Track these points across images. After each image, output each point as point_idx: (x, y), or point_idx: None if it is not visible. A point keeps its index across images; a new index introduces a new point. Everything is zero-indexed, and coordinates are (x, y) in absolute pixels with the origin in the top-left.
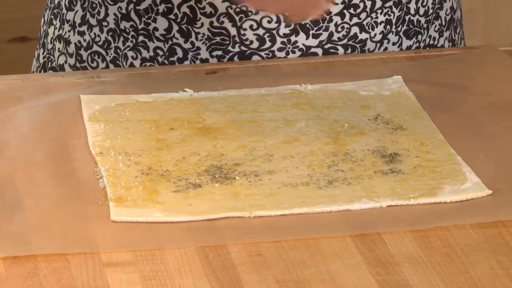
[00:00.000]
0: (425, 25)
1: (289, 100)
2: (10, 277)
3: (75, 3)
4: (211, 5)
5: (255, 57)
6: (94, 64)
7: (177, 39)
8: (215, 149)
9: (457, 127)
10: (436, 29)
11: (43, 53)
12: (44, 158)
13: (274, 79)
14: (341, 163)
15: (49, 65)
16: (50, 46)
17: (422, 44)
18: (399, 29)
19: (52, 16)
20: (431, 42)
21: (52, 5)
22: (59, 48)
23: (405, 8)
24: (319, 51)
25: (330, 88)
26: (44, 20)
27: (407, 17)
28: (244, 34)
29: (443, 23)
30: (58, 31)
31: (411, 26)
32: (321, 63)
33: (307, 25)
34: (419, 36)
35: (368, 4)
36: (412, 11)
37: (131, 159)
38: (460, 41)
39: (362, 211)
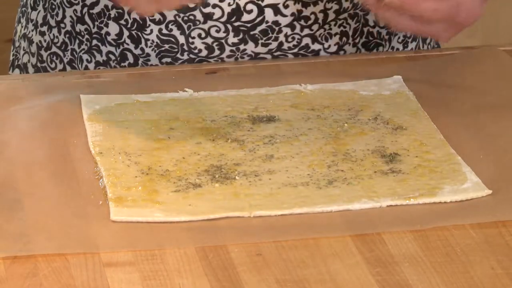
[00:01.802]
0: (386, 37)
1: (289, 100)
2: (10, 277)
3: (38, 2)
4: (160, 12)
5: None
6: (53, 65)
7: (128, 44)
8: (215, 149)
9: (457, 127)
10: (399, 40)
11: (12, 50)
12: (44, 158)
13: (274, 79)
14: (341, 163)
15: (16, 63)
16: (17, 44)
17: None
18: (356, 41)
19: (20, 15)
20: None
21: (21, 3)
22: (24, 47)
23: (362, 20)
24: (268, 57)
25: (330, 88)
26: (16, 18)
27: (365, 29)
28: (193, 43)
29: (408, 34)
30: (24, 29)
31: (370, 38)
32: (321, 63)
33: (256, 35)
34: (380, 48)
35: (320, 16)
36: (371, 23)
37: (131, 159)
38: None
39: (362, 211)
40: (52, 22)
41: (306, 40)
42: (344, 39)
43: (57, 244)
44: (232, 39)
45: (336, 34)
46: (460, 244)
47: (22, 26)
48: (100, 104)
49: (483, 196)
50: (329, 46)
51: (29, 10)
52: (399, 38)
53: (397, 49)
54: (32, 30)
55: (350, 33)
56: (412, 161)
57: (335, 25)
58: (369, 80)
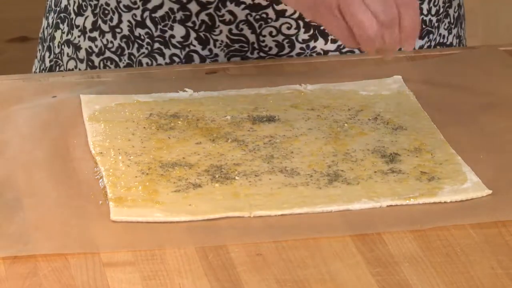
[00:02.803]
0: (436, 24)
1: (289, 100)
2: (10, 277)
3: (85, 8)
4: (231, 13)
5: None
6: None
7: (194, 46)
8: (215, 149)
9: (457, 127)
10: (445, 27)
11: (49, 56)
12: (44, 158)
13: (274, 79)
14: (341, 163)
15: (57, 70)
16: (57, 50)
17: (433, 43)
18: None
19: (59, 20)
20: (441, 40)
21: (58, 9)
22: (68, 53)
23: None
24: (337, 54)
25: (330, 88)
26: (48, 23)
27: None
28: (263, 41)
29: (452, 20)
30: (67, 35)
31: (423, 26)
32: (321, 63)
33: (326, 31)
34: (431, 36)
35: None
36: (425, 11)
37: (131, 159)
38: (464, 35)
39: (362, 211)
40: (105, 28)
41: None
42: None
43: (57, 244)
44: (302, 35)
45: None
46: (460, 244)
47: (63, 32)
48: (100, 104)
49: (483, 196)
50: None
51: (73, 16)
52: (445, 25)
53: (443, 35)
54: (79, 36)
55: None
56: (412, 161)
57: None
58: (369, 80)
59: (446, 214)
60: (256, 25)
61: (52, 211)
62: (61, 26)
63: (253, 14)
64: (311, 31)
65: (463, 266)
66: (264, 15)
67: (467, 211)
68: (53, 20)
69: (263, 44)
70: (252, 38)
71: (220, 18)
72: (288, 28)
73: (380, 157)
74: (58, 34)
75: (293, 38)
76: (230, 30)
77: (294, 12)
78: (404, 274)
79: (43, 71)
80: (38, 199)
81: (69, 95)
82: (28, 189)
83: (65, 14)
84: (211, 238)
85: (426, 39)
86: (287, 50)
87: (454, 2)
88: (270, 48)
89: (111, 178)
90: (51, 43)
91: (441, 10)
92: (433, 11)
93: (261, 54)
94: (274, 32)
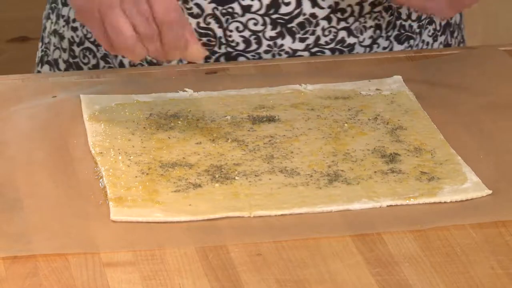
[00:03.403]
0: (417, 30)
1: (289, 100)
2: (10, 277)
3: None
4: (198, 6)
5: (242, 59)
6: (86, 60)
7: None
8: (215, 149)
9: (457, 127)
10: (430, 34)
11: (41, 47)
12: (44, 158)
13: (274, 79)
14: (341, 163)
15: (46, 59)
16: (47, 40)
17: (414, 49)
18: (389, 34)
19: (50, 11)
20: (424, 47)
21: (51, 0)
22: (54, 43)
23: (395, 13)
24: (306, 54)
25: (330, 88)
26: (44, 14)
27: (398, 22)
28: (230, 36)
29: (438, 28)
30: (54, 25)
31: (402, 31)
32: (321, 63)
33: (293, 29)
34: (411, 41)
35: (356, 8)
36: (404, 16)
37: (131, 159)
38: (459, 44)
39: (362, 211)
40: None
41: (342, 34)
42: (378, 32)
43: (57, 244)
44: (269, 32)
45: (371, 27)
46: (460, 244)
47: (52, 22)
48: (100, 104)
49: (483, 196)
50: (364, 39)
51: (60, 6)
52: (429, 31)
53: (427, 42)
54: (64, 26)
55: (384, 26)
56: (412, 161)
57: (370, 18)
58: (369, 80)
59: (446, 214)
60: (223, 19)
61: (52, 211)
62: (51, 16)
63: (220, 8)
64: (278, 28)
65: (463, 266)
66: (230, 10)
67: (467, 211)
68: (47, 11)
69: (230, 39)
70: (219, 32)
71: (188, 11)
72: (255, 24)
73: (380, 157)
74: (48, 24)
75: (260, 34)
76: (197, 24)
77: (260, 8)
78: (404, 274)
79: (37, 63)
80: (38, 199)
81: (69, 95)
82: (28, 189)
83: (55, 5)
84: (211, 238)
85: (406, 44)
86: (254, 46)
87: None
88: (237, 44)
89: (111, 178)
90: (43, 34)
91: (423, 16)
92: (413, 16)
93: (228, 49)
94: (241, 28)
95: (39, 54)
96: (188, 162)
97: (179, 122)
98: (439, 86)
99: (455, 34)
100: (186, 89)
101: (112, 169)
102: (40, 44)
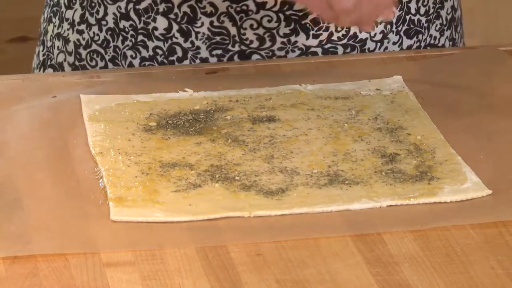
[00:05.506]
0: (425, 25)
1: (289, 100)
2: (10, 277)
3: (74, 1)
4: (212, 4)
5: (255, 57)
6: (93, 63)
7: (176, 38)
8: (215, 149)
9: (457, 127)
10: (437, 28)
11: (42, 50)
12: (44, 158)
13: (274, 79)
14: (341, 163)
15: (49, 63)
16: (49, 43)
17: (422, 44)
18: (399, 28)
19: (52, 14)
20: (432, 41)
21: (52, 3)
22: (58, 46)
23: (405, 8)
24: (319, 50)
25: (330, 88)
26: (44, 18)
27: (407, 17)
28: (244, 34)
29: (444, 22)
30: (57, 29)
31: (411, 26)
32: (321, 63)
33: (307, 25)
34: (420, 36)
35: None
36: (413, 11)
37: (131, 159)
38: (460, 39)
39: (362, 211)
40: (92, 20)
41: (354, 29)
42: (388, 27)
43: (57, 244)
44: (283, 29)
45: (381, 22)
46: (460, 244)
47: (55, 26)
48: (100, 104)
49: (483, 196)
50: (375, 34)
51: (63, 9)
52: (436, 26)
53: (435, 37)
54: (68, 29)
55: (394, 20)
56: (412, 161)
57: None
58: (369, 80)
59: (446, 214)
60: (237, 17)
61: (52, 211)
62: (53, 19)
63: (234, 6)
64: (292, 25)
65: (463, 266)
66: (244, 7)
67: (467, 211)
68: (48, 14)
69: (244, 37)
70: (233, 30)
71: (202, 10)
72: (269, 21)
73: (380, 157)
74: (50, 28)
75: (274, 31)
76: (211, 22)
77: (275, 5)
78: (404, 274)
79: (38, 66)
80: (38, 199)
81: (69, 95)
82: (28, 189)
83: (57, 8)
84: (211, 238)
85: (415, 39)
86: (268, 44)
87: (447, 4)
88: (251, 42)
89: (111, 178)
90: (44, 37)
91: (431, 10)
92: (422, 11)
93: (242, 47)
94: (255, 25)
95: (40, 58)
96: (188, 162)
97: (179, 122)
98: (439, 86)
99: (458, 29)
100: (186, 89)
101: (112, 169)
102: (40, 48)
